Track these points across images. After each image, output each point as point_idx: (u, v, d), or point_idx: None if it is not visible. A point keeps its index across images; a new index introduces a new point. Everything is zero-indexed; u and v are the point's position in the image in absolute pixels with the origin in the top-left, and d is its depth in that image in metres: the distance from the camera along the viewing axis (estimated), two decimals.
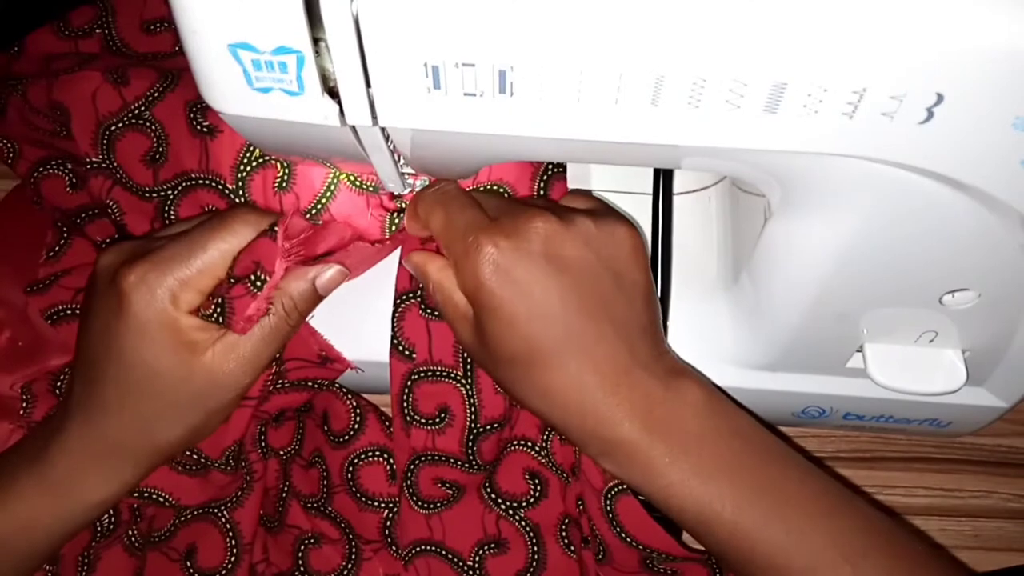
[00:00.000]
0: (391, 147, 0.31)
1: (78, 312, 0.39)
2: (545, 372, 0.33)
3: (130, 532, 0.40)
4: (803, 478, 0.33)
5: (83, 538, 0.39)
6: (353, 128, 0.28)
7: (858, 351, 0.37)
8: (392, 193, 0.39)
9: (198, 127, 0.39)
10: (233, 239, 0.35)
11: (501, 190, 0.39)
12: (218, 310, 0.35)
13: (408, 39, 0.24)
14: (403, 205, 0.39)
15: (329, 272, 0.36)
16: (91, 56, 0.42)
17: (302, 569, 0.39)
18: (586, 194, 0.38)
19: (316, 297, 0.36)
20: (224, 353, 0.34)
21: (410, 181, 0.37)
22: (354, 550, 0.39)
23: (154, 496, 0.38)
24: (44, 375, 0.41)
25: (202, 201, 0.39)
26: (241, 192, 0.39)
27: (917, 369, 0.36)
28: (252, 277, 0.34)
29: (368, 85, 0.26)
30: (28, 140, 0.41)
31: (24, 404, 0.40)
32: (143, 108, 0.39)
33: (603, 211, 0.36)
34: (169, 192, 0.39)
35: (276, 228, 0.35)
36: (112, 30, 0.43)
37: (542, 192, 0.39)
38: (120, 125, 0.39)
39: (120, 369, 0.34)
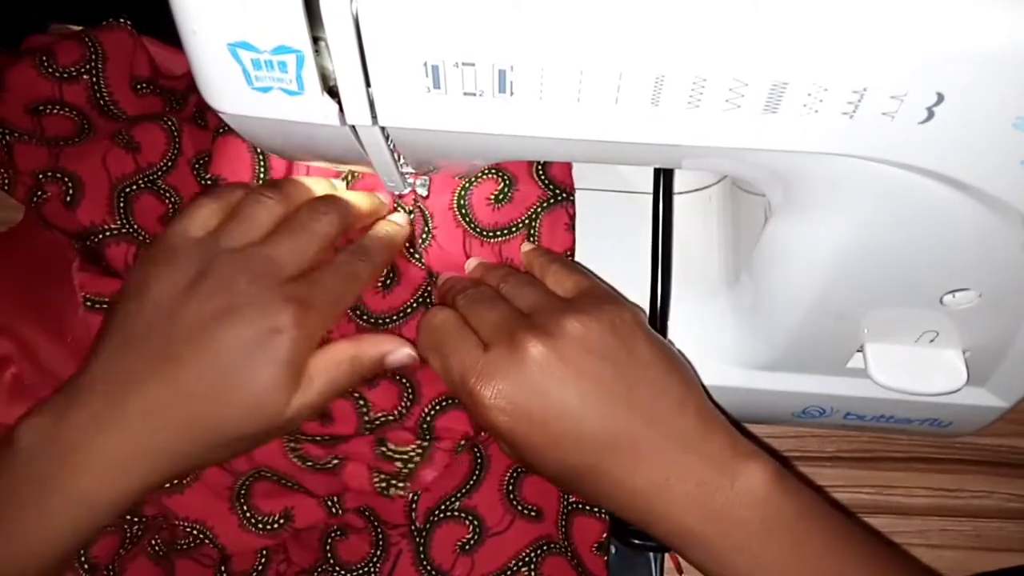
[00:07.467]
0: (391, 147, 0.31)
1: None
2: (589, 483, 0.33)
3: (154, 541, 0.39)
4: (869, 558, 0.32)
5: (111, 546, 0.38)
6: (353, 128, 0.28)
7: (859, 351, 0.37)
8: (393, 197, 0.39)
9: (203, 183, 0.39)
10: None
11: (500, 174, 0.39)
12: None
13: (408, 38, 0.24)
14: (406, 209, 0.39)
15: (400, 353, 0.36)
16: (80, 112, 0.42)
17: (331, 562, 0.39)
18: (567, 266, 0.37)
19: (381, 368, 0.36)
20: (305, 401, 0.34)
21: (410, 181, 0.37)
22: (381, 536, 0.39)
23: (195, 530, 0.38)
24: None
25: None
26: None
27: (918, 369, 0.36)
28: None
29: (368, 84, 0.26)
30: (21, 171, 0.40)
31: None
32: (157, 176, 0.40)
33: (590, 290, 0.35)
34: None
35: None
36: (100, 80, 0.42)
37: (541, 172, 0.39)
38: (134, 188, 0.40)
39: (215, 369, 0.32)
